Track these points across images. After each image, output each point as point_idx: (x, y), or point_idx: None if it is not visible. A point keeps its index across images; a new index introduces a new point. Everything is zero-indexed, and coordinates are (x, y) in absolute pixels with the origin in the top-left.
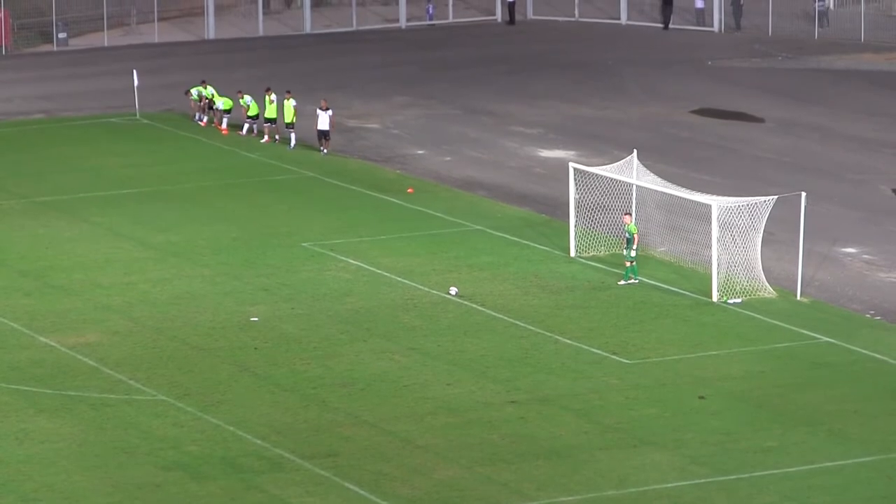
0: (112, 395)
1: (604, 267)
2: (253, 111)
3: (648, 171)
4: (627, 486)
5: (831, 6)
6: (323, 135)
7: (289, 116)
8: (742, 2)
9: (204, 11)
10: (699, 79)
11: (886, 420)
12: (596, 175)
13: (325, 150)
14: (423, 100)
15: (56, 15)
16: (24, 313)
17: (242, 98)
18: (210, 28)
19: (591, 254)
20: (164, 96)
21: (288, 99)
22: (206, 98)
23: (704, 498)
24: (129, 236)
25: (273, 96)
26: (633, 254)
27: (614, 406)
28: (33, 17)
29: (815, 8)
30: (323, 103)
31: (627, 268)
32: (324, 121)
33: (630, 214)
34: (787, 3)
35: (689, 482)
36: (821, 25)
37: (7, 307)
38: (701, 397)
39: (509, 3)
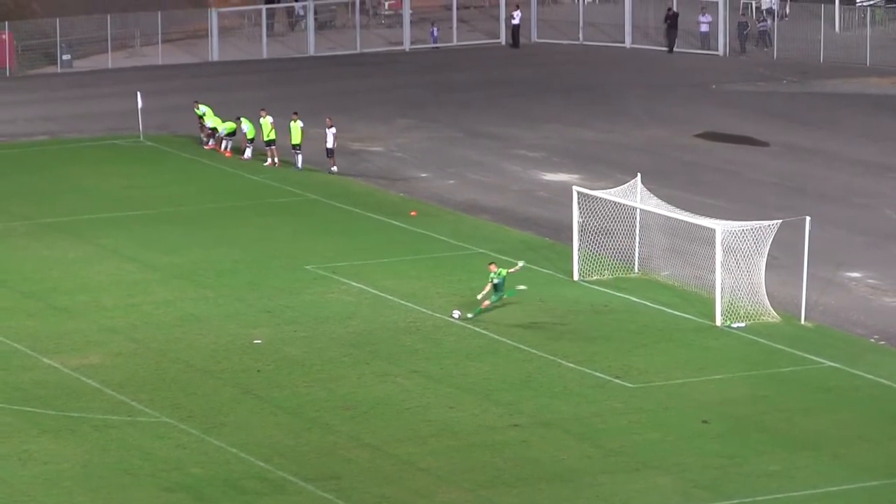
0: (115, 417)
1: (607, 291)
2: (250, 134)
3: (652, 195)
4: None
5: (774, 24)
6: (330, 153)
7: (296, 138)
8: (748, 26)
9: (208, 34)
10: (704, 103)
11: (890, 445)
12: (599, 199)
13: (334, 168)
14: (426, 123)
15: (60, 37)
16: (28, 335)
17: (241, 123)
18: (214, 50)
19: (594, 277)
20: (167, 118)
21: (295, 120)
22: (201, 119)
23: None
24: (132, 258)
25: (270, 118)
26: (494, 298)
27: (617, 430)
28: (37, 39)
29: (757, 28)
30: (328, 121)
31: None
32: (329, 139)
33: (494, 263)
34: (792, 26)
35: None
36: (765, 45)
37: (11, 328)
38: (704, 421)
39: (513, 26)
